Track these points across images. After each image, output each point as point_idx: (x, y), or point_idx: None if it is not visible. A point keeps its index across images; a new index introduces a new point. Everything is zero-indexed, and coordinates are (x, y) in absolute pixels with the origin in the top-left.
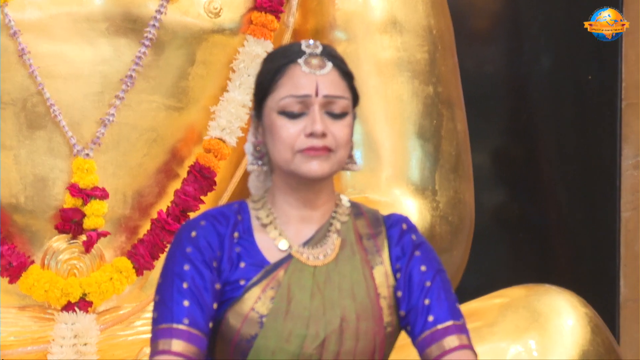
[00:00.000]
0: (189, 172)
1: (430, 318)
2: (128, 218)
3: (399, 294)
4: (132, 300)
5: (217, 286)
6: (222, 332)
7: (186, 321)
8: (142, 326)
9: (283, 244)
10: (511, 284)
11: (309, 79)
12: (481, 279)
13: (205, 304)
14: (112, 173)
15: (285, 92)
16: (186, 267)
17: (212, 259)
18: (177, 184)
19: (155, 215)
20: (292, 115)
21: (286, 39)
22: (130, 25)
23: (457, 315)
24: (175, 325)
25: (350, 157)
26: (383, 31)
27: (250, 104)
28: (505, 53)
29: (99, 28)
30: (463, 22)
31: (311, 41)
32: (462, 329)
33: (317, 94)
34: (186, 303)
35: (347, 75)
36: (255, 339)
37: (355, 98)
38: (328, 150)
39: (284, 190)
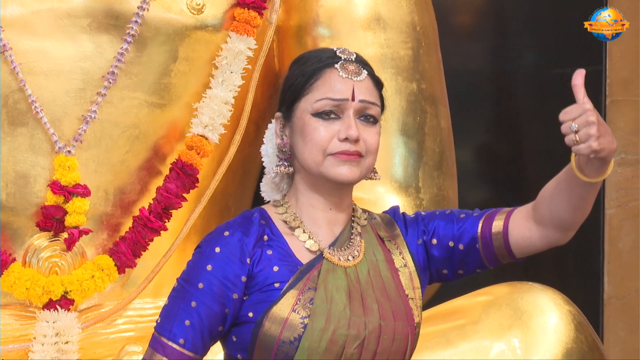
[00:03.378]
0: (171, 169)
1: (475, 214)
2: (110, 215)
3: (434, 241)
4: (114, 298)
5: (235, 296)
6: (261, 339)
7: (181, 341)
8: (124, 324)
9: (314, 246)
10: (495, 282)
11: (345, 83)
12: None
13: (208, 326)
14: (94, 170)
15: (320, 94)
16: (200, 286)
17: (236, 273)
18: (159, 181)
19: (137, 213)
20: (326, 118)
21: (269, 35)
22: (112, 22)
23: None
24: (170, 343)
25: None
26: (366, 27)
27: (232, 101)
28: (490, 49)
29: (80, 24)
30: (447, 18)
31: (343, 48)
32: None
33: (353, 99)
34: (187, 323)
35: (378, 84)
36: (300, 341)
37: (382, 107)
38: (359, 155)
39: (308, 193)
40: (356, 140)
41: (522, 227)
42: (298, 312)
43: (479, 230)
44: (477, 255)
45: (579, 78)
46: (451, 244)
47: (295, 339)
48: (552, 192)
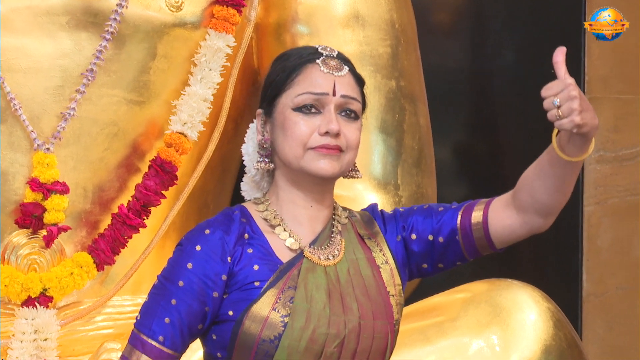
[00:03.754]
0: (150, 167)
1: (453, 207)
2: (89, 212)
3: (413, 236)
4: (93, 295)
5: (215, 294)
6: (241, 337)
7: (161, 339)
8: (103, 321)
9: (295, 244)
10: (473, 279)
11: (327, 78)
12: (443, 273)
13: (188, 324)
14: (73, 167)
15: (302, 89)
16: (180, 284)
17: (216, 272)
18: (138, 179)
19: (116, 210)
20: (306, 113)
21: (248, 33)
22: (91, 19)
23: None
24: (149, 340)
25: (353, 165)
26: (345, 25)
27: (211, 99)
28: (468, 47)
29: (59, 22)
30: (426, 16)
31: (325, 46)
32: None
33: (334, 94)
34: (167, 320)
35: (360, 81)
36: (280, 340)
37: (363, 106)
38: (340, 150)
39: (289, 189)
40: (337, 135)
41: (502, 215)
42: (278, 311)
43: (459, 221)
44: (457, 247)
45: (560, 55)
46: (430, 237)
47: (275, 338)
48: (533, 176)
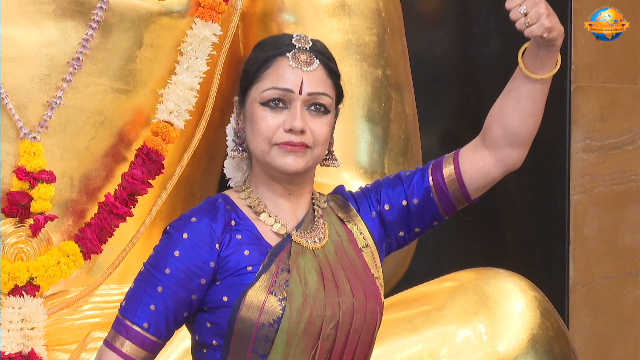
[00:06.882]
0: (136, 156)
1: (420, 168)
2: (75, 201)
3: (387, 207)
4: (80, 284)
5: (203, 281)
6: (239, 324)
7: (146, 325)
8: (90, 310)
9: (282, 229)
10: (460, 268)
11: (294, 74)
12: (430, 262)
13: (174, 312)
14: (60, 156)
15: (269, 83)
16: (167, 271)
17: (204, 259)
18: (124, 167)
19: (102, 199)
20: (273, 107)
21: (234, 21)
22: (77, 8)
23: None
24: (134, 327)
25: (330, 153)
26: (331, 14)
27: (197, 87)
28: (454, 36)
29: (45, 10)
30: (412, 4)
31: (302, 35)
32: None
33: (300, 92)
34: (152, 307)
35: (333, 74)
36: (279, 323)
37: (339, 96)
38: (305, 146)
39: (266, 180)
40: (302, 132)
41: (473, 159)
42: (275, 294)
43: (430, 179)
44: (432, 205)
45: None
46: (404, 202)
47: (274, 321)
48: (502, 106)
